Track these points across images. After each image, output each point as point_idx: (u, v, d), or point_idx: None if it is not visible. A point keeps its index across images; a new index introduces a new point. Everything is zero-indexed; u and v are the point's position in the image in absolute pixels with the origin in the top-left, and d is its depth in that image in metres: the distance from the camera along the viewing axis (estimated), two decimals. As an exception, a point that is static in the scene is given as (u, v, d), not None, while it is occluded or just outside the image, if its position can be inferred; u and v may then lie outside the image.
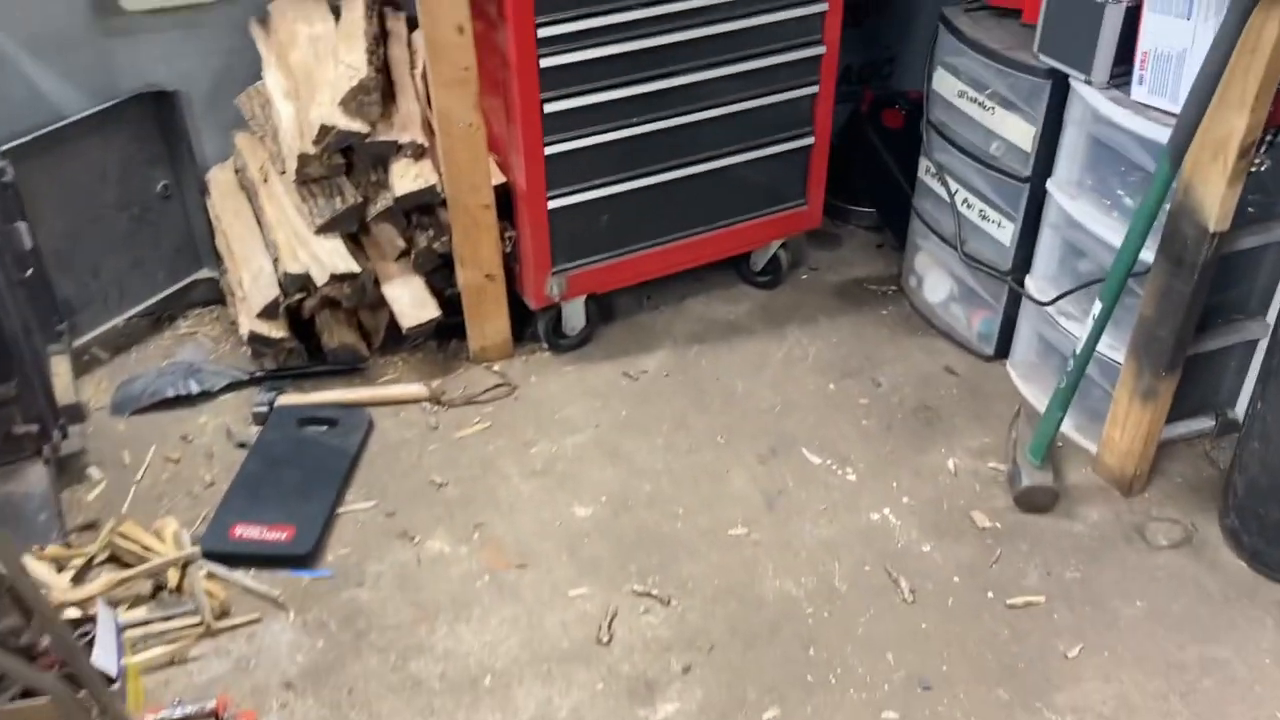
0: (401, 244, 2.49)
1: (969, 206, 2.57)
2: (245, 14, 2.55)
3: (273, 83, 2.44)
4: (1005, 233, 2.49)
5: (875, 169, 3.01)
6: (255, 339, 2.44)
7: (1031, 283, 2.47)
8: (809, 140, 2.66)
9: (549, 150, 2.35)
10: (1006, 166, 2.43)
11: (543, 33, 2.20)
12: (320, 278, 2.37)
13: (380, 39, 2.50)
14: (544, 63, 2.23)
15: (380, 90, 2.35)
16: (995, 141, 2.45)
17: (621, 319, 2.78)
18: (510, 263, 2.54)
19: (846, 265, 3.00)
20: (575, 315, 2.65)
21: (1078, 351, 2.12)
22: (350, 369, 2.59)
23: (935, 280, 2.78)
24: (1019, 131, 2.37)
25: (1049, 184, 2.35)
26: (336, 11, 2.56)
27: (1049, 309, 2.38)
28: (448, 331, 2.63)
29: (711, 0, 2.33)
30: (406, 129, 2.40)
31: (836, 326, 2.76)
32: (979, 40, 2.39)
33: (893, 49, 3.29)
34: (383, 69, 2.44)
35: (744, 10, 2.39)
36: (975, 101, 2.46)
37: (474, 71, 2.25)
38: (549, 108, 2.29)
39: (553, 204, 2.42)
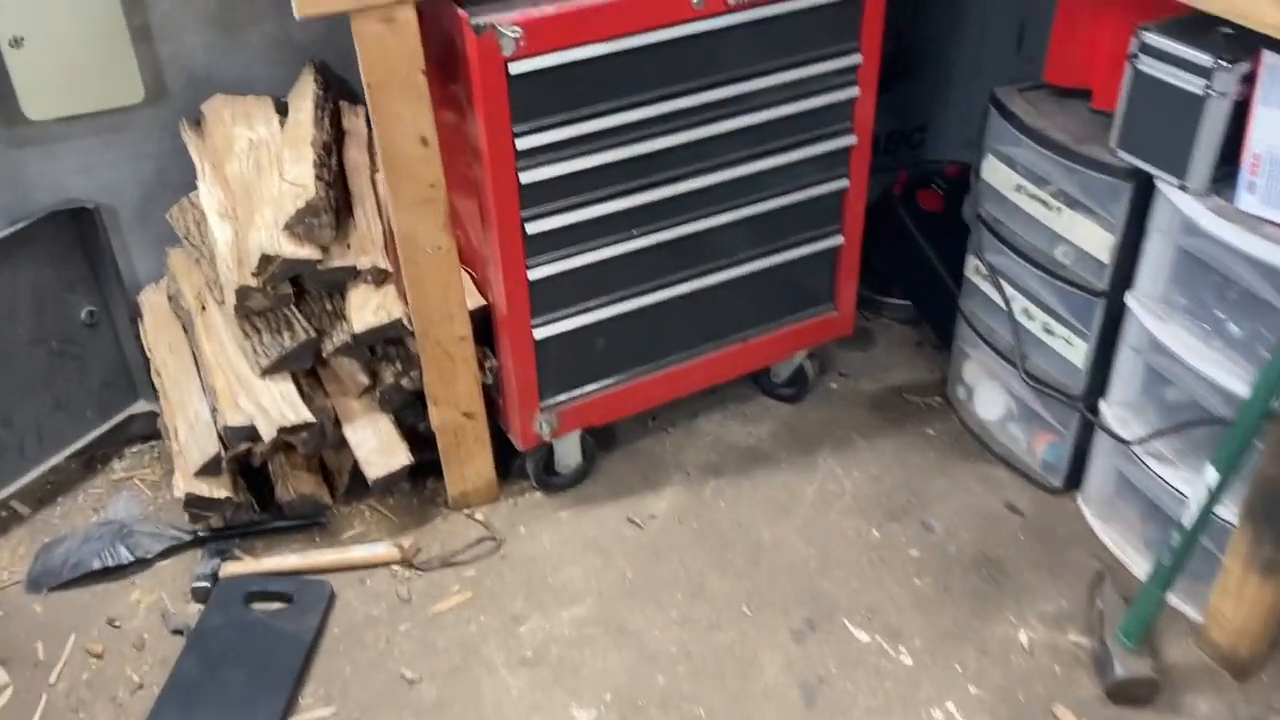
0: (365, 380, 2.12)
1: (1030, 318, 2.19)
2: (176, 115, 2.18)
3: (207, 198, 2.07)
4: (1076, 352, 2.11)
5: (910, 257, 2.63)
6: (194, 502, 2.07)
7: (1109, 410, 2.09)
8: (838, 240, 2.28)
9: (533, 275, 1.97)
10: (1077, 277, 2.05)
11: (522, 143, 1.83)
12: (267, 431, 2.00)
13: (334, 142, 2.13)
14: (524, 178, 1.86)
15: (334, 208, 1.98)
16: (1062, 246, 2.07)
17: (624, 445, 2.41)
18: (492, 394, 2.17)
19: (882, 370, 2.62)
20: (569, 452, 2.27)
21: (1184, 524, 1.73)
22: (310, 523, 2.22)
23: (988, 395, 2.39)
24: (1093, 238, 1.99)
25: (1129, 298, 1.97)
26: (283, 108, 2.19)
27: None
28: (424, 469, 2.25)
29: (723, 94, 1.96)
30: (366, 250, 2.03)
31: (876, 451, 2.38)
32: (1041, 130, 2.01)
33: (923, 116, 2.92)
34: (337, 178, 2.07)
35: (762, 102, 2.01)
36: (1037, 199, 2.09)
37: (441, 188, 1.88)
38: (531, 228, 1.92)
39: (539, 333, 2.05)
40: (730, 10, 1.88)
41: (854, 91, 2.10)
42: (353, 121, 2.20)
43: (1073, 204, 2.02)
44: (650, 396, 2.28)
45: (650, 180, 1.99)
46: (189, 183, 2.17)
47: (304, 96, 2.12)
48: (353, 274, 2.02)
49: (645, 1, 1.80)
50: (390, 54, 1.73)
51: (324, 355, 2.06)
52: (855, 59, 2.06)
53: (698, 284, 2.16)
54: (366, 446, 2.13)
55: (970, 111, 2.84)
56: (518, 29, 1.72)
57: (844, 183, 2.21)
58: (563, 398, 2.16)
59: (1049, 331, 2.16)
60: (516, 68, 1.76)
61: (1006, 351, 2.26)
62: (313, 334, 2.03)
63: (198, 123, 2.19)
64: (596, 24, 1.79)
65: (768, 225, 2.17)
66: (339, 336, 2.03)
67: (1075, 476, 2.25)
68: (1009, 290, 2.22)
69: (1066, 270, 2.07)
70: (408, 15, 1.71)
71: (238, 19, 2.14)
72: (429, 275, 1.95)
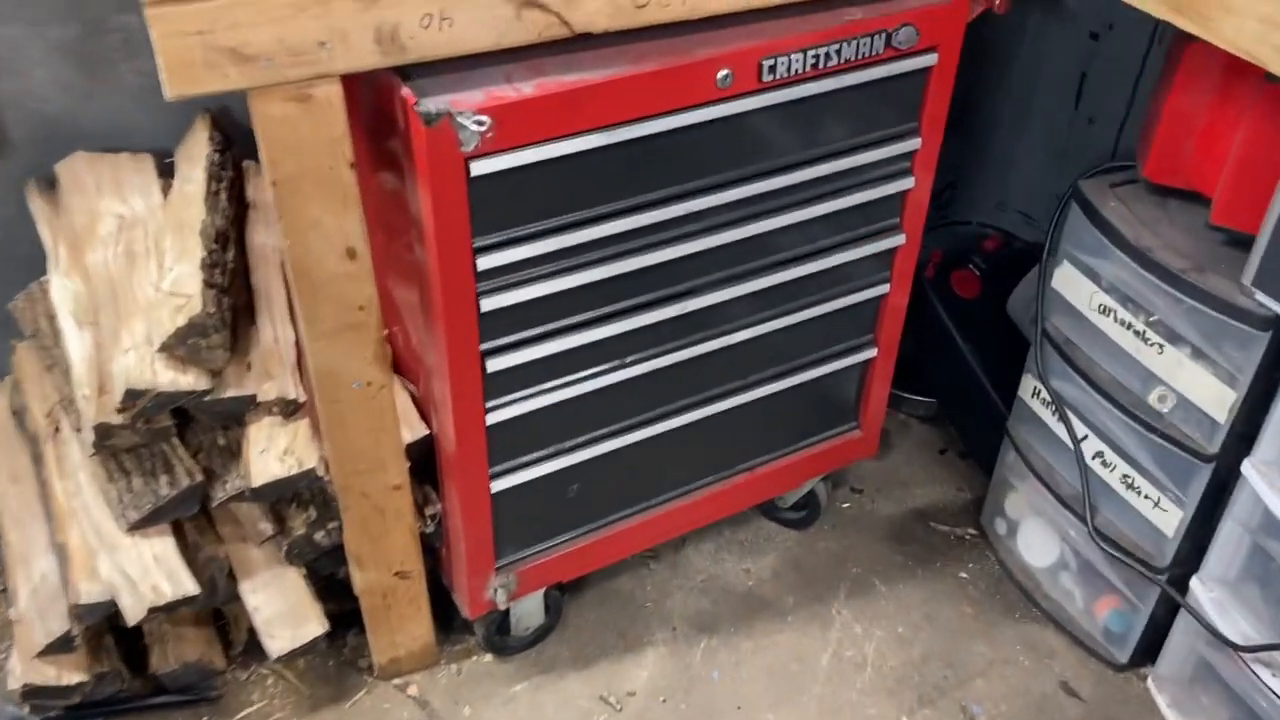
0: (269, 528, 1.64)
1: (1106, 465, 1.77)
2: (20, 172, 1.67)
3: (60, 294, 1.57)
4: (1167, 518, 1.70)
5: (940, 350, 2.20)
6: (35, 693, 1.59)
7: (1201, 591, 1.68)
8: (870, 353, 1.84)
9: (493, 419, 1.51)
10: (1178, 432, 1.63)
11: (485, 262, 1.36)
12: (134, 611, 1.52)
13: (235, 220, 1.64)
14: (486, 304, 1.39)
15: (229, 320, 1.49)
16: (1159, 390, 1.65)
17: (595, 586, 1.96)
18: (433, 541, 1.71)
19: (902, 485, 2.19)
20: (530, 612, 1.82)
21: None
22: (196, 698, 1.75)
23: (1037, 537, 1.98)
24: (1205, 389, 1.57)
25: (1248, 467, 1.56)
26: (169, 170, 1.68)
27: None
28: (346, 618, 1.79)
29: (746, 192, 1.50)
30: (271, 373, 1.55)
31: (900, 601, 1.96)
32: (1143, 247, 1.58)
33: (953, 172, 2.48)
34: (236, 274, 1.58)
35: (795, 200, 1.56)
36: (1127, 327, 1.66)
37: (373, 309, 1.40)
38: (493, 364, 1.45)
39: (499, 485, 1.58)
40: (764, 89, 1.41)
41: (908, 183, 1.65)
42: (259, 190, 1.70)
43: (1175, 339, 1.60)
44: (634, 543, 1.83)
45: (651, 299, 1.53)
46: (40, 260, 1.66)
47: (195, 160, 1.62)
48: (252, 404, 1.54)
49: (656, 79, 1.33)
50: (305, 143, 1.25)
51: (212, 505, 1.58)
52: (913, 144, 1.61)
53: (700, 414, 1.71)
54: (268, 611, 1.66)
55: (1008, 170, 2.42)
56: (484, 118, 1.24)
57: (884, 288, 1.76)
58: (525, 556, 1.71)
59: (1130, 486, 1.74)
60: (481, 167, 1.28)
61: (1068, 499, 1.84)
62: (199, 478, 1.55)
63: (52, 185, 1.68)
64: (591, 107, 1.31)
65: (789, 342, 1.73)
66: (233, 483, 1.56)
67: (1146, 651, 1.85)
68: (1078, 427, 1.80)
69: (1163, 421, 1.65)
70: (330, 93, 1.22)
71: (106, 50, 1.63)
72: (354, 417, 1.48)
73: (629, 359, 1.57)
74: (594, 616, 1.91)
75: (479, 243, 1.35)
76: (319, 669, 1.81)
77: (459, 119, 1.23)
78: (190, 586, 1.55)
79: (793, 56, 1.40)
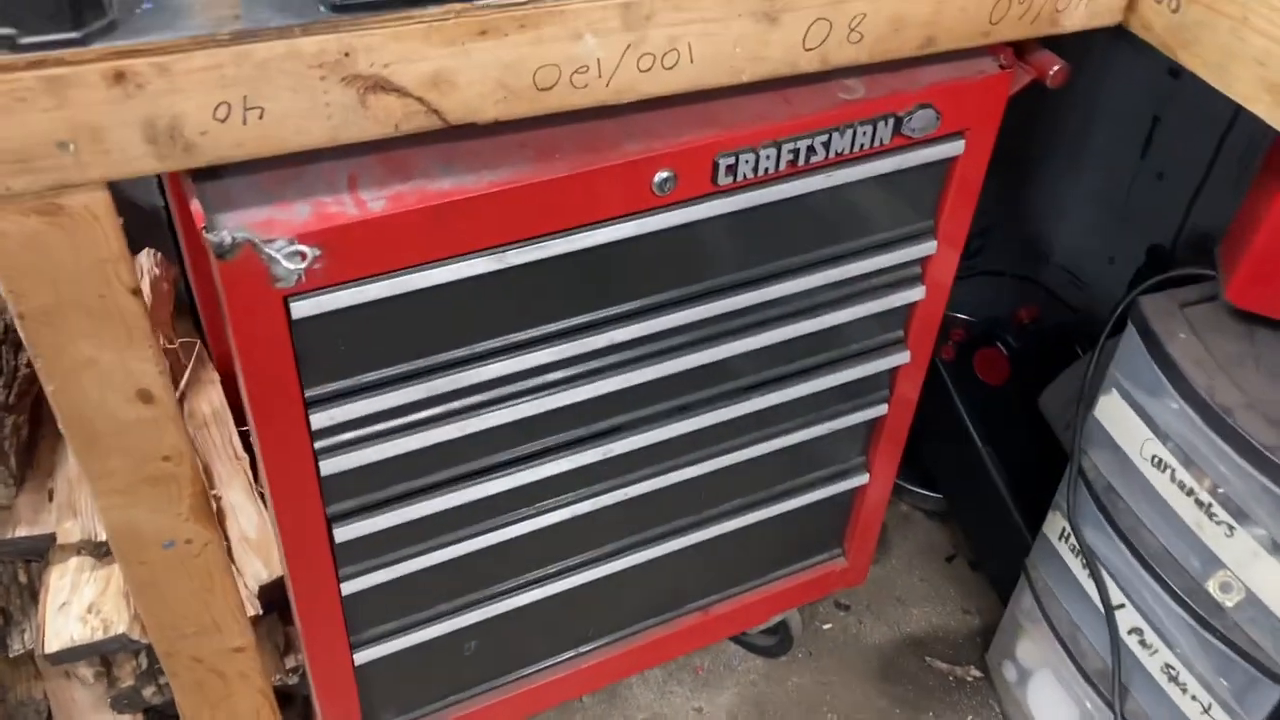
0: (89, 675, 1.33)
1: (1146, 647, 1.41)
2: None
3: None
4: (1216, 731, 1.35)
5: (954, 445, 1.84)
6: None
7: (1252, 821, 1.33)
8: (859, 481, 1.49)
9: (350, 588, 1.17)
10: (1243, 637, 1.27)
11: (321, 419, 1.01)
12: (-104, 794, 1.21)
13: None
14: (327, 467, 1.05)
15: (22, 439, 1.16)
16: (1221, 577, 1.28)
17: None
18: (302, 691, 1.39)
19: (898, 603, 1.85)
20: (422, 774, 1.50)
21: None
22: None
23: (1052, 695, 1.63)
24: (1284, 596, 1.21)
25: (1329, 697, 1.20)
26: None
27: None
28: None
29: (679, 319, 1.14)
30: (76, 508, 1.22)
31: (880, 766, 1.63)
32: (1219, 405, 1.21)
33: (989, 216, 2.08)
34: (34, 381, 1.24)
35: (750, 322, 1.19)
36: (1188, 492, 1.29)
37: (185, 457, 1.06)
38: (344, 532, 1.11)
39: (364, 656, 1.25)
40: (719, 193, 1.04)
41: (915, 294, 1.27)
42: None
43: (1248, 520, 1.23)
44: (556, 695, 1.50)
45: (563, 442, 1.18)
46: None
47: None
48: (51, 543, 1.21)
49: (566, 186, 0.97)
50: (62, 266, 0.89)
51: (9, 654, 1.27)
52: (925, 248, 1.23)
53: (635, 559, 1.37)
54: (92, 770, 1.35)
55: (1055, 219, 2.03)
56: (308, 249, 0.88)
57: (881, 410, 1.40)
58: (410, 717, 1.39)
59: (1174, 680, 1.39)
60: (307, 307, 0.93)
61: (1094, 673, 1.49)
62: (-10, 626, 1.23)
63: None
64: (470, 226, 0.95)
65: (753, 473, 1.37)
66: (29, 637, 1.24)
67: None
68: (1114, 592, 1.44)
69: (1224, 619, 1.29)
70: (91, 204, 0.87)
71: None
72: (171, 579, 1.14)
73: (532, 510, 1.22)
74: (508, 763, 1.59)
75: (313, 394, 1.00)
76: (169, 818, 1.50)
77: (269, 250, 0.87)
78: (-26, 763, 1.24)
79: (761, 152, 1.03)
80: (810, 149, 1.05)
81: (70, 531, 1.20)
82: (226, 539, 1.35)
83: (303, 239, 0.88)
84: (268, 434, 1.00)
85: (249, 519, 1.34)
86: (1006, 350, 1.84)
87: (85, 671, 1.32)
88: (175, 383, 1.42)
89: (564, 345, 1.08)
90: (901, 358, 1.33)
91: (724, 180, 1.03)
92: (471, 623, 1.29)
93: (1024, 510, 1.74)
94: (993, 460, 1.78)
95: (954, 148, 1.14)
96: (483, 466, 1.15)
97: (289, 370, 0.96)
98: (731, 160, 1.02)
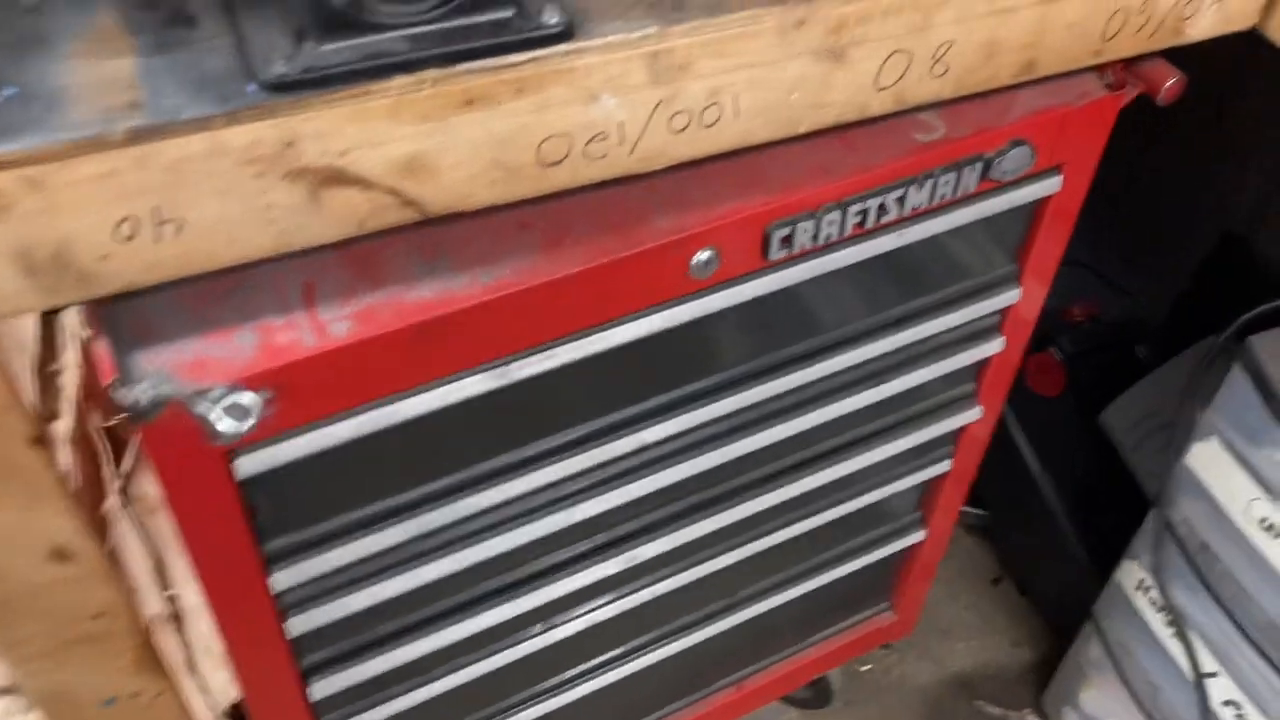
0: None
1: (1244, 724, 1.25)
2: None
3: None
4: (1332, 827, 1.19)
5: (1003, 461, 1.65)
6: None
7: None
8: (915, 538, 1.30)
9: (334, 734, 0.98)
10: (1373, 734, 1.10)
11: (283, 579, 0.81)
12: None
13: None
14: (296, 625, 0.85)
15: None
16: (1347, 662, 1.11)
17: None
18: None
19: (942, 636, 1.68)
20: None
21: None
22: None
23: (1122, 751, 1.47)
24: None
25: None
26: None
27: None
28: None
29: (712, 412, 0.94)
30: None
31: (933, 835, 1.47)
32: (1360, 475, 1.02)
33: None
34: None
35: (796, 402, 0.99)
36: (1307, 564, 1.11)
37: (120, 612, 0.85)
38: (321, 688, 0.92)
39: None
40: (770, 268, 0.83)
41: (992, 348, 1.07)
42: None
43: (1385, 599, 1.05)
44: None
45: (577, 556, 0.99)
46: None
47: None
48: (-23, 690, 1.02)
49: (580, 282, 0.76)
50: (-71, 423, 0.68)
51: (-59, 805, 1.08)
52: (1008, 297, 1.03)
53: (658, 655, 1.18)
54: None
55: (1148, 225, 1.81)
56: (255, 397, 0.67)
57: (944, 466, 1.21)
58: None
59: (1277, 762, 1.22)
60: (255, 463, 0.72)
61: (1181, 740, 1.33)
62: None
63: None
64: (462, 343, 0.74)
65: (798, 548, 1.19)
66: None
67: None
68: (1205, 658, 1.27)
69: (1350, 710, 1.12)
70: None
71: None
72: (117, 737, 0.95)
73: (542, 627, 1.03)
74: None
75: (272, 549, 0.79)
76: None
77: (202, 408, 0.66)
78: None
79: (823, 219, 0.82)
80: (881, 208, 0.84)
81: (-5, 675, 1.01)
82: (186, 647, 1.16)
83: (248, 383, 0.67)
84: (222, 604, 0.80)
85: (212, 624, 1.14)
86: (1061, 356, 1.64)
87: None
88: (118, 458, 1.21)
89: (581, 456, 0.88)
90: (972, 415, 1.14)
91: (777, 254, 0.82)
92: (480, 741, 1.11)
93: (1084, 537, 1.57)
94: (1049, 483, 1.60)
95: (1049, 186, 0.93)
96: (486, 593, 0.95)
97: (239, 532, 0.76)
98: (787, 231, 0.81)
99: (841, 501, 1.15)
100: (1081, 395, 1.60)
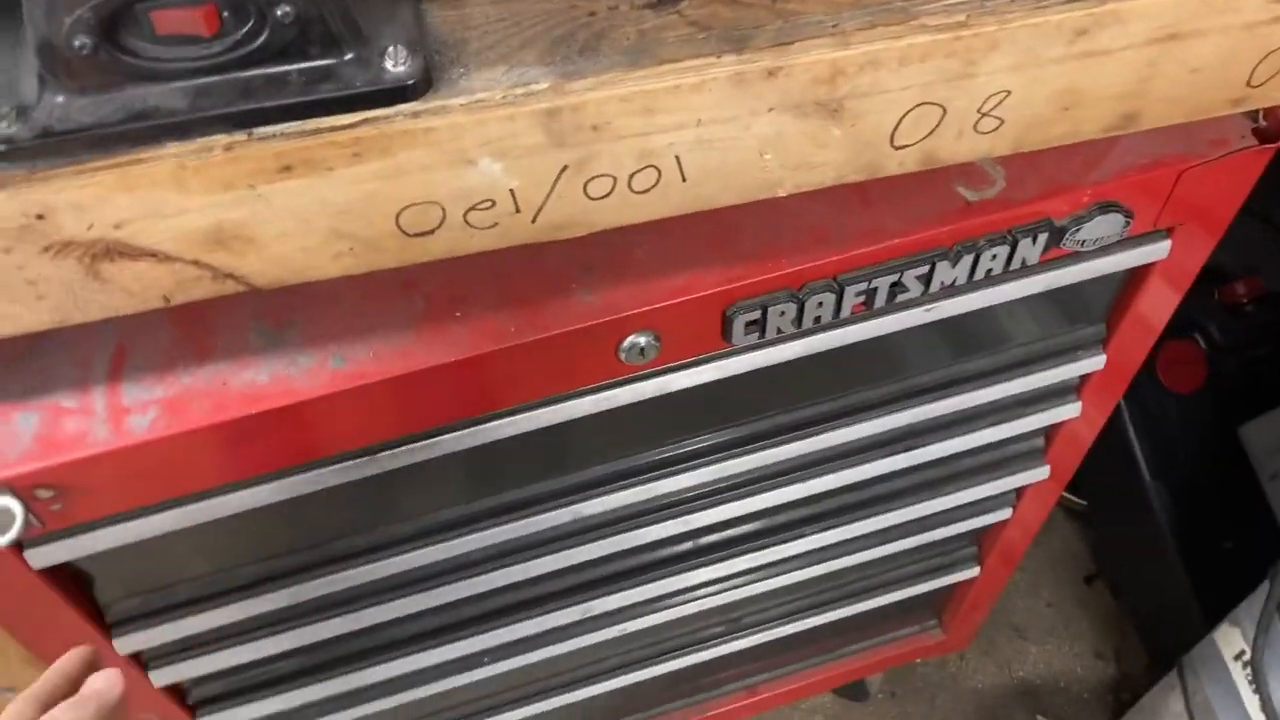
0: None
1: None
2: None
3: None
4: None
5: (1112, 455, 1.42)
6: None
7: None
8: (966, 574, 1.12)
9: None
10: None
11: (127, 643, 0.70)
12: None
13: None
14: (158, 679, 0.75)
15: None
16: None
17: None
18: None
19: (1015, 633, 1.50)
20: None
21: None
22: None
23: (1189, 814, 1.29)
24: None
25: None
26: None
27: None
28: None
29: (712, 474, 0.77)
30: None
31: None
32: None
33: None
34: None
35: (829, 456, 0.81)
36: None
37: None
38: (213, 723, 0.83)
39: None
40: (736, 350, 0.65)
41: (1067, 412, 0.86)
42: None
43: None
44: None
45: (521, 612, 0.85)
46: None
47: None
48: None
49: (473, 368, 0.59)
50: None
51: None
52: (1089, 364, 0.81)
53: (647, 673, 1.06)
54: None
55: None
56: (17, 506, 0.55)
57: (1004, 514, 1.01)
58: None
59: None
60: (50, 554, 0.60)
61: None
62: None
63: None
64: (309, 435, 0.60)
65: (830, 582, 1.03)
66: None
67: None
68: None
69: None
70: None
71: None
72: None
73: (486, 659, 0.91)
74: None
75: (113, 617, 0.69)
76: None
77: (-49, 511, 0.54)
78: None
79: (807, 301, 0.62)
80: (897, 285, 0.63)
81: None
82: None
83: (16, 485, 0.55)
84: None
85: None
86: (1206, 345, 1.38)
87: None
88: None
89: (490, 530, 0.73)
90: (1038, 474, 0.93)
91: (743, 340, 0.63)
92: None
93: (1192, 562, 1.35)
94: (1161, 496, 1.36)
95: (1150, 252, 0.70)
96: (401, 639, 0.83)
97: (61, 611, 0.65)
98: (755, 314, 0.62)
99: (890, 541, 0.97)
100: (1222, 396, 1.35)
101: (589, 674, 1.03)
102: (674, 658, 1.04)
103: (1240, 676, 1.15)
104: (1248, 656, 1.12)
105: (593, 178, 0.54)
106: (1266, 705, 1.09)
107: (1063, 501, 1.58)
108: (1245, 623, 1.12)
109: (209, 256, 0.53)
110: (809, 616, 1.07)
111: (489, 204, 0.54)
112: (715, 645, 1.05)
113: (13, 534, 0.55)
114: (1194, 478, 1.36)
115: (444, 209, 0.54)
